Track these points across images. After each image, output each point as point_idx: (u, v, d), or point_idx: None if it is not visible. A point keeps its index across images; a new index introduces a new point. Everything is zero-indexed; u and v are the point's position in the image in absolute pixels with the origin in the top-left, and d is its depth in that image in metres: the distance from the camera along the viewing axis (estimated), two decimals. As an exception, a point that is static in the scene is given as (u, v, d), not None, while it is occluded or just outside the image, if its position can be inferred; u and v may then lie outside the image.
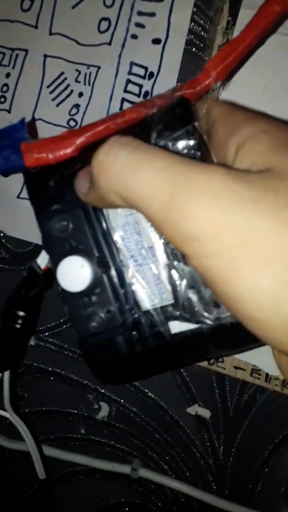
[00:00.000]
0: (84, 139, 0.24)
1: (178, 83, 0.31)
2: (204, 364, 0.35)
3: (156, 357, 0.26)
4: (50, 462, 0.41)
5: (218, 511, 0.38)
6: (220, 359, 0.35)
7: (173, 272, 0.24)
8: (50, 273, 0.27)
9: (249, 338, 0.22)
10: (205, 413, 0.37)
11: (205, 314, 0.24)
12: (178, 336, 0.25)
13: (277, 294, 0.16)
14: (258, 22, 0.24)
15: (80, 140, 0.24)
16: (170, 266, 0.24)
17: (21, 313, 0.29)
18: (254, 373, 0.34)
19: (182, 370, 0.37)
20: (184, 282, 0.24)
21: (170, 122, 0.23)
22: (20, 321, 0.29)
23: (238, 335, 0.23)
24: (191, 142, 0.23)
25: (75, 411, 0.41)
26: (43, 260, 0.28)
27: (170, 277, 0.24)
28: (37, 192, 0.26)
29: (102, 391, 0.40)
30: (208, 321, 0.24)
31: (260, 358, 0.33)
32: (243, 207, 0.17)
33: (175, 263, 0.24)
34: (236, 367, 0.34)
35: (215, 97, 0.25)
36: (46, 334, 0.40)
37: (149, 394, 0.39)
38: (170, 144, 0.23)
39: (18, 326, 0.29)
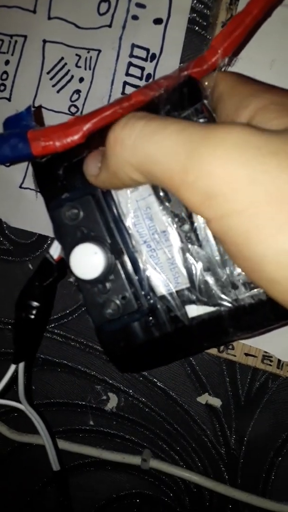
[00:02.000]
0: (91, 125, 0.23)
1: (184, 63, 0.30)
2: (214, 351, 0.34)
3: (174, 343, 0.25)
4: (60, 455, 0.40)
5: (231, 501, 0.36)
6: (230, 346, 0.33)
7: (188, 255, 0.23)
8: (63, 263, 0.26)
9: (269, 318, 0.23)
10: (216, 402, 0.36)
11: (223, 296, 0.23)
12: (196, 320, 0.24)
13: None
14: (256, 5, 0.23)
15: (87, 127, 0.23)
16: (184, 250, 0.23)
17: (35, 304, 0.28)
18: (265, 359, 0.32)
19: (191, 358, 0.36)
20: (200, 264, 0.23)
21: (179, 102, 0.22)
22: (34, 312, 0.28)
23: (257, 315, 0.23)
24: (201, 121, 0.22)
25: (84, 403, 0.40)
26: (55, 250, 0.27)
27: (185, 261, 0.23)
28: (46, 182, 0.25)
29: (110, 382, 0.39)
30: (226, 303, 0.23)
31: (271, 344, 0.32)
32: (264, 160, 0.15)
33: (190, 246, 0.23)
34: (247, 354, 0.33)
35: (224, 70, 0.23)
36: (52, 325, 0.39)
37: (158, 384, 0.37)
38: None
39: (32, 316, 0.28)
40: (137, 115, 0.19)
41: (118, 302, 0.25)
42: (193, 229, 0.23)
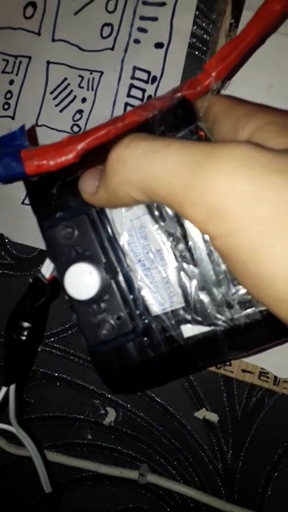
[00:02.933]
0: (85, 144, 0.23)
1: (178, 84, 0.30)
2: (212, 368, 0.34)
3: (169, 363, 0.24)
4: (57, 468, 0.40)
5: (228, 516, 0.36)
6: (228, 363, 0.33)
7: (183, 274, 0.23)
8: (56, 283, 0.25)
9: (264, 337, 0.23)
10: (213, 417, 0.36)
11: (218, 315, 0.23)
12: (191, 339, 0.23)
13: None
14: (258, 21, 0.23)
15: (81, 146, 0.23)
16: (179, 269, 0.23)
17: (27, 325, 0.27)
18: (262, 376, 0.32)
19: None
20: (195, 283, 0.23)
21: (173, 123, 0.22)
22: (25, 333, 0.27)
23: (252, 335, 0.22)
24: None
25: (82, 417, 0.40)
26: (47, 269, 0.26)
27: (180, 280, 0.23)
28: (39, 200, 0.25)
29: (109, 396, 0.39)
30: (222, 323, 0.23)
31: (268, 361, 0.32)
32: (271, 177, 0.15)
33: (185, 265, 0.23)
34: (243, 370, 0.33)
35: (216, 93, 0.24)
36: (52, 339, 0.39)
37: (156, 399, 0.37)
38: None
39: (23, 338, 0.27)
40: (139, 135, 0.19)
41: (113, 322, 0.24)
42: (188, 248, 0.22)
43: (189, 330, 0.23)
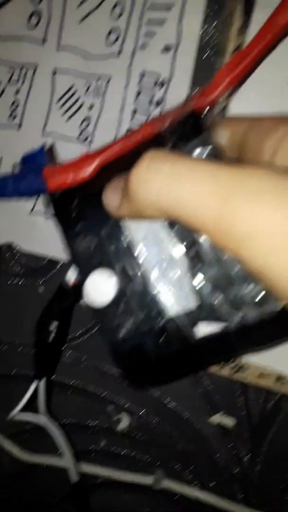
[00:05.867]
0: (101, 160, 0.24)
1: (189, 93, 0.28)
2: (226, 372, 0.31)
3: (184, 360, 0.25)
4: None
5: (246, 521, 0.34)
6: (243, 367, 0.31)
7: (196, 276, 0.23)
8: (79, 288, 0.26)
9: (275, 334, 0.23)
10: (228, 422, 0.33)
11: (230, 315, 0.22)
12: (204, 338, 0.23)
13: None
14: (264, 34, 0.22)
15: (97, 162, 0.24)
16: (192, 271, 0.23)
17: (54, 325, 0.29)
18: (279, 380, 0.30)
19: (203, 378, 0.33)
20: (208, 285, 0.22)
21: (183, 135, 0.22)
22: (53, 333, 0.29)
23: (263, 332, 0.22)
24: (204, 153, 0.22)
25: (95, 423, 0.37)
26: (71, 275, 0.27)
27: (193, 282, 0.23)
28: (62, 214, 0.25)
29: (122, 402, 0.36)
30: (234, 322, 0.22)
31: (286, 365, 0.29)
32: None
33: (198, 266, 0.22)
34: (260, 375, 0.30)
35: (224, 105, 0.23)
36: (64, 347, 0.36)
37: (170, 404, 0.35)
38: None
39: (51, 337, 0.29)
40: (160, 154, 0.18)
41: (130, 325, 0.24)
42: (200, 250, 0.22)
43: (202, 329, 0.23)
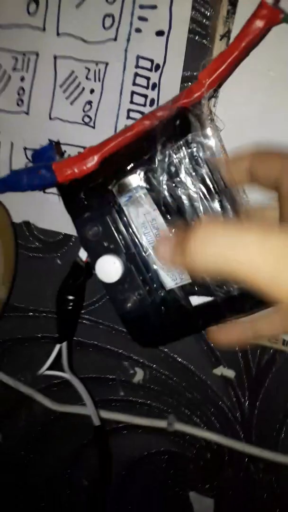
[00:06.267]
0: (102, 154, 0.27)
1: (176, 95, 0.30)
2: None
3: (182, 325, 0.29)
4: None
5: (247, 456, 0.39)
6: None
7: None
8: (90, 265, 0.30)
9: (255, 304, 0.26)
10: (230, 373, 0.37)
11: (217, 288, 0.26)
12: (198, 307, 0.28)
13: None
14: (244, 36, 0.25)
15: (98, 155, 0.27)
16: None
17: (71, 298, 0.33)
18: (272, 339, 0.33)
19: (205, 336, 0.37)
20: None
21: (172, 134, 0.25)
22: (71, 304, 0.33)
23: (246, 302, 0.26)
24: (190, 150, 0.25)
25: (114, 377, 0.42)
26: (83, 254, 0.31)
27: None
28: (70, 202, 0.29)
29: (136, 358, 0.40)
30: (221, 294, 0.26)
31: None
32: None
33: None
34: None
35: (208, 103, 0.25)
36: (83, 311, 0.40)
37: (178, 359, 0.39)
38: (173, 153, 0.25)
39: (69, 308, 0.33)
40: (213, 222, 0.20)
41: (135, 297, 0.29)
42: None
43: (196, 300, 0.28)
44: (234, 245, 0.18)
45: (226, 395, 0.38)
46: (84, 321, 0.40)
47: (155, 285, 0.28)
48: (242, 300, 0.26)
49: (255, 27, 0.24)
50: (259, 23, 0.23)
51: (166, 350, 0.39)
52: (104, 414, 0.42)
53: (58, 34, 0.34)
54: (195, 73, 0.31)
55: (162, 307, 0.28)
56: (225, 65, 0.24)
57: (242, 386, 0.37)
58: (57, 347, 0.35)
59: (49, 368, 0.36)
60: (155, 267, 0.27)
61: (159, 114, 0.25)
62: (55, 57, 0.34)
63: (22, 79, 0.36)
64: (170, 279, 0.27)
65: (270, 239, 0.18)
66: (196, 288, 0.27)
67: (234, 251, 0.18)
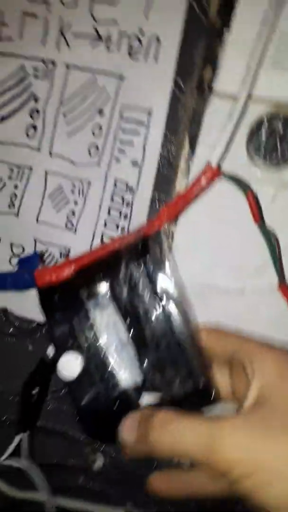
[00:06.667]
0: (77, 265, 0.32)
1: (150, 200, 0.36)
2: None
3: None
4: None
5: None
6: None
7: (142, 359, 0.30)
8: (55, 362, 0.32)
9: (200, 403, 0.30)
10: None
11: (166, 390, 0.30)
12: (148, 405, 0.30)
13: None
14: (195, 187, 0.32)
15: (74, 267, 0.32)
16: (139, 355, 0.31)
17: (35, 392, 0.36)
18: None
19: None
20: (148, 367, 0.30)
21: (134, 254, 0.31)
22: (35, 397, 0.36)
23: (192, 401, 0.30)
24: (145, 272, 0.30)
25: (74, 463, 0.43)
26: (51, 351, 0.34)
27: (140, 363, 0.31)
28: (46, 304, 0.33)
29: (97, 445, 0.42)
30: (168, 396, 0.30)
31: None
32: (256, 441, 0.24)
33: (142, 353, 0.31)
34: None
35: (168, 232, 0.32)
36: (48, 397, 0.42)
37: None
38: (133, 270, 0.31)
39: (33, 400, 0.36)
40: (169, 415, 0.27)
41: (92, 394, 0.31)
42: (145, 341, 0.30)
43: (146, 399, 0.31)
44: (184, 432, 0.26)
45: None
46: (49, 406, 0.43)
47: (110, 383, 0.31)
48: (187, 401, 0.29)
49: (203, 182, 0.31)
50: (206, 180, 0.31)
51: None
52: (62, 502, 0.43)
53: (50, 154, 0.41)
54: (162, 196, 0.37)
55: (115, 405, 0.31)
56: (179, 207, 0.32)
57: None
58: (18, 437, 0.37)
59: (9, 455, 0.38)
60: (112, 366, 0.31)
61: (127, 238, 0.31)
62: (46, 172, 0.41)
63: (16, 186, 0.41)
64: (125, 379, 0.31)
65: (206, 429, 0.25)
66: (147, 389, 0.30)
67: (184, 436, 0.26)
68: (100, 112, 0.38)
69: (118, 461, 0.42)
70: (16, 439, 0.37)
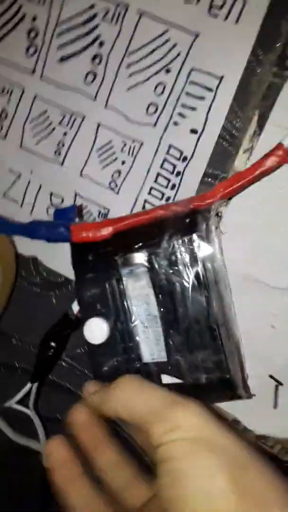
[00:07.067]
0: (117, 227, 0.30)
1: (202, 175, 0.34)
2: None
3: None
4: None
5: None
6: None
7: (169, 338, 0.29)
8: (79, 321, 0.32)
9: (218, 397, 0.29)
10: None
11: (188, 373, 0.29)
12: (167, 386, 0.29)
13: None
14: (259, 166, 0.29)
15: (113, 228, 0.30)
16: (166, 333, 0.29)
17: (53, 345, 0.36)
18: (234, 422, 0.35)
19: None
20: (175, 347, 0.29)
21: (180, 228, 0.28)
22: (52, 351, 0.36)
23: (210, 393, 0.29)
24: (191, 247, 0.28)
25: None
26: (75, 308, 0.33)
27: (166, 341, 0.29)
28: (78, 261, 0.32)
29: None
30: (190, 379, 0.29)
31: (240, 412, 0.35)
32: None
33: (171, 331, 0.29)
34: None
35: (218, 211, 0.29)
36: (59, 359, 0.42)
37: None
38: (176, 245, 0.28)
39: (50, 354, 0.36)
40: (130, 378, 0.27)
41: (112, 363, 0.31)
42: (176, 320, 0.28)
43: (166, 379, 0.30)
44: (139, 395, 0.25)
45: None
46: (62, 362, 0.42)
47: (133, 355, 0.30)
48: (208, 389, 0.28)
49: (270, 162, 0.28)
50: (274, 161, 0.28)
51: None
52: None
53: (106, 106, 0.38)
54: (216, 172, 0.35)
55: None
56: (238, 184, 0.28)
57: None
58: (29, 385, 0.37)
59: (17, 402, 0.38)
60: (138, 338, 0.30)
61: (174, 208, 0.29)
62: (98, 125, 0.38)
63: (65, 134, 0.40)
64: (149, 354, 0.30)
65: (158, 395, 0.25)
66: (169, 368, 0.29)
67: (137, 399, 0.25)
68: (167, 70, 0.36)
69: (116, 430, 0.42)
70: (26, 388, 0.37)
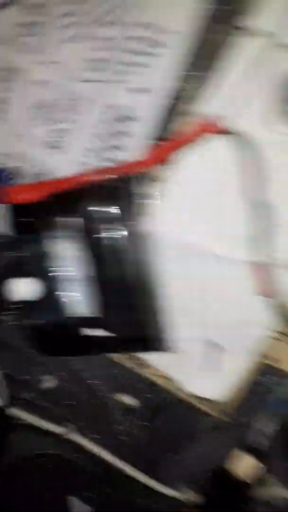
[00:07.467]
0: (53, 189, 0.31)
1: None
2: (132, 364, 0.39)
3: (73, 345, 0.36)
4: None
5: (130, 478, 0.42)
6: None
7: (99, 295, 0.32)
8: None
9: (144, 349, 0.33)
10: (129, 400, 0.41)
11: (117, 329, 0.32)
12: (88, 336, 0.33)
13: None
14: (185, 140, 0.30)
15: (51, 190, 0.31)
16: (97, 291, 0.32)
17: None
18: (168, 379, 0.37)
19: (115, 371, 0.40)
20: (107, 305, 0.32)
21: (115, 192, 0.30)
22: None
23: (136, 345, 0.32)
24: (124, 210, 0.30)
25: (27, 379, 0.44)
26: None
27: (97, 298, 0.32)
28: (14, 221, 0.33)
29: (51, 367, 0.43)
30: (119, 333, 0.32)
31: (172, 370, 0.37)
32: None
33: (101, 290, 0.32)
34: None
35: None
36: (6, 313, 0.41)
37: (88, 378, 0.42)
38: (111, 209, 0.29)
39: None
40: None
41: (46, 316, 0.34)
42: (107, 279, 0.32)
43: (96, 332, 0.33)
44: None
45: (123, 419, 0.42)
46: (8, 322, 0.42)
47: (66, 311, 0.32)
48: (134, 341, 0.32)
49: (199, 131, 0.29)
50: (201, 130, 0.29)
51: (80, 367, 0.42)
52: (10, 411, 0.45)
53: (48, 61, 0.35)
54: (162, 135, 0.34)
55: (66, 330, 0.33)
56: (170, 151, 0.30)
57: (139, 415, 0.41)
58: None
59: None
60: (68, 296, 0.32)
61: (110, 171, 0.30)
62: (39, 80, 0.36)
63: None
64: (78, 309, 0.32)
65: None
66: (101, 323, 0.32)
67: None
68: (112, 23, 0.33)
69: (67, 386, 0.43)
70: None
